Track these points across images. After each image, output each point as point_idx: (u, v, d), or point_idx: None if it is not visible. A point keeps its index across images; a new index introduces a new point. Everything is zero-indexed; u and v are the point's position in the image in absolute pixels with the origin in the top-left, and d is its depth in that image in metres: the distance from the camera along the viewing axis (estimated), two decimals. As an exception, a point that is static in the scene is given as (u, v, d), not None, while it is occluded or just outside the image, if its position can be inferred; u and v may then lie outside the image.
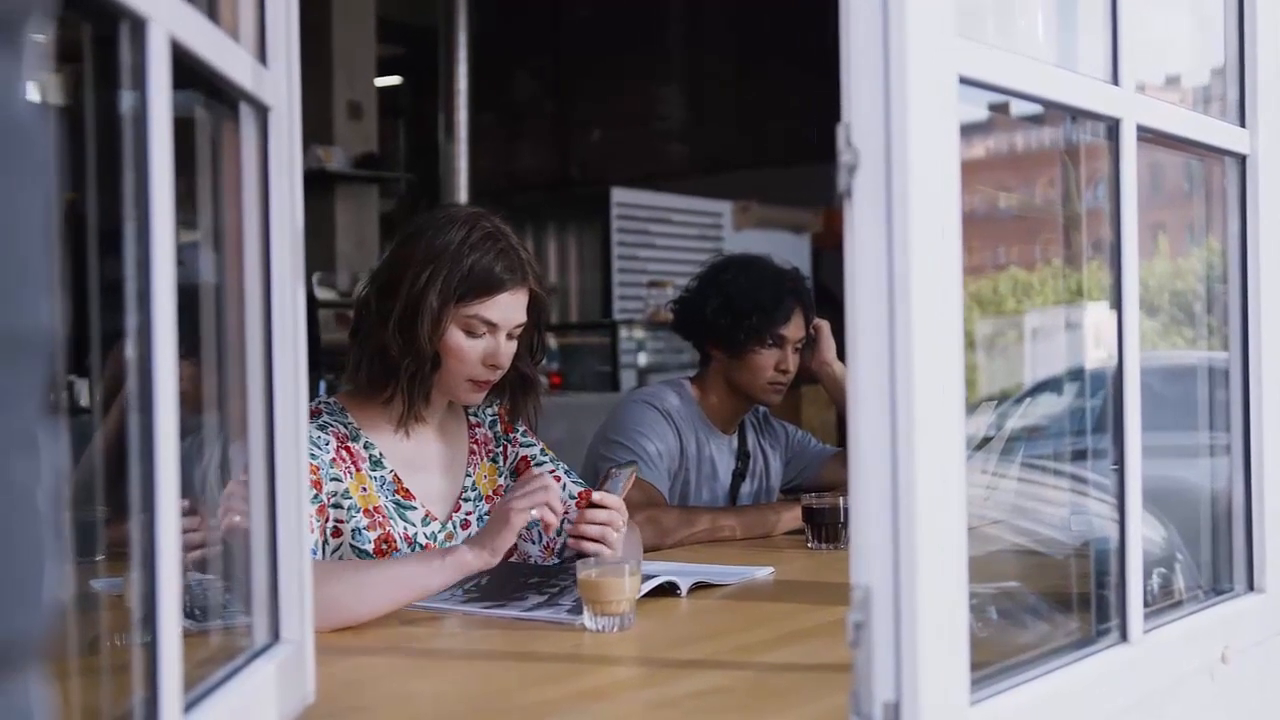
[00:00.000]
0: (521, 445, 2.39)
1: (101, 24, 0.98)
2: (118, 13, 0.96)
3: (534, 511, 1.95)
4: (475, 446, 2.34)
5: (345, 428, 2.18)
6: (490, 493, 2.32)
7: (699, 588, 2.13)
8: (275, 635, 1.35)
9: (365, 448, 2.18)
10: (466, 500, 2.29)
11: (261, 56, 1.33)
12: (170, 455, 1.00)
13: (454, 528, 2.24)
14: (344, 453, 2.14)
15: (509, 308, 2.17)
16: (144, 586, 0.98)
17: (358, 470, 2.15)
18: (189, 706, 1.07)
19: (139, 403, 0.99)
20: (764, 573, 2.30)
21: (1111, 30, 1.49)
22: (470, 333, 2.15)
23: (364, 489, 2.14)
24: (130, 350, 1.00)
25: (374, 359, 2.16)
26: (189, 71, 1.10)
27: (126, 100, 1.00)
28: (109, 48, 0.99)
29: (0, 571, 0.50)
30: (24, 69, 0.51)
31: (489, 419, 2.38)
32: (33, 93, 0.53)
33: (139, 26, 0.98)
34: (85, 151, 1.02)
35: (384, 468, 2.18)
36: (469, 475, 2.30)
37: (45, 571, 0.53)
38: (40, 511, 0.52)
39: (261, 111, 1.33)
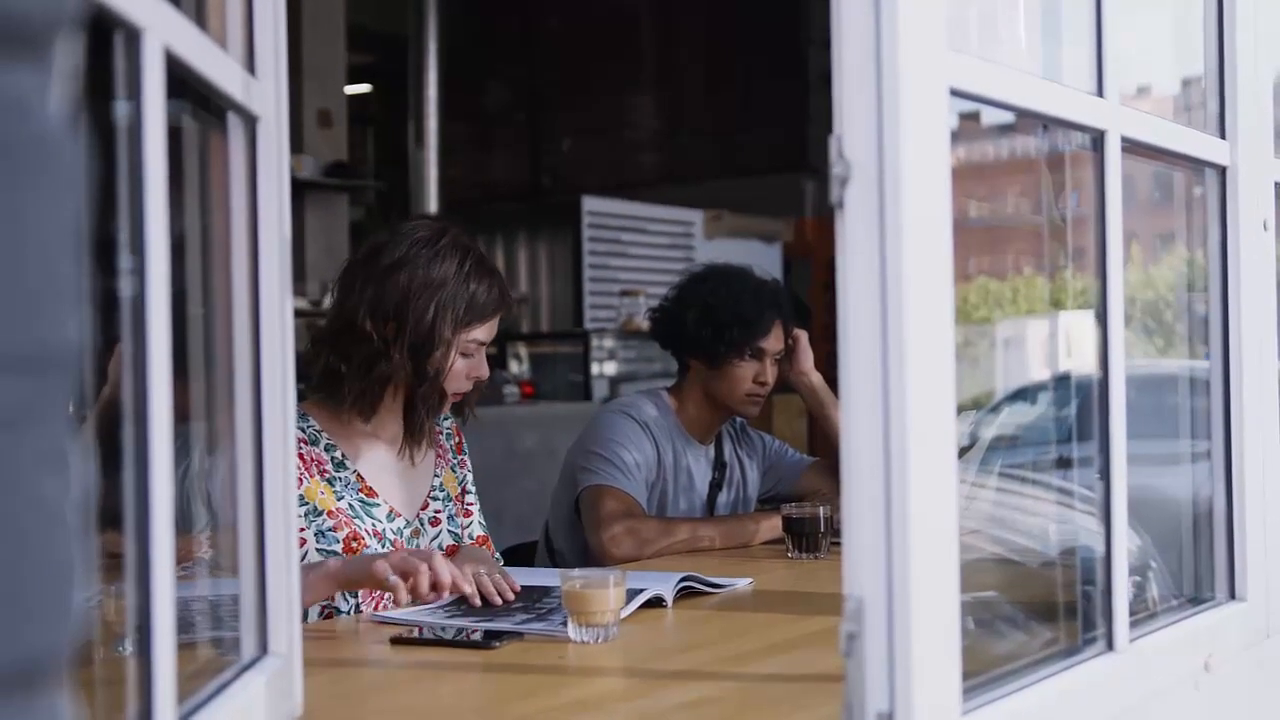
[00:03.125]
0: (467, 469, 2.49)
1: (95, 34, 0.97)
2: (113, 22, 0.95)
3: (392, 578, 1.90)
4: (440, 450, 2.43)
5: (303, 432, 2.22)
6: (455, 496, 2.42)
7: (684, 595, 2.13)
8: (264, 648, 1.34)
9: (326, 450, 2.25)
10: (435, 499, 2.38)
11: (250, 66, 1.32)
12: (164, 467, 0.99)
13: (422, 524, 2.33)
14: (297, 459, 2.15)
15: (495, 326, 2.31)
16: (139, 600, 0.98)
17: (312, 476, 2.20)
18: (181, 721, 1.06)
19: (133, 414, 0.98)
20: (744, 583, 2.31)
21: (1096, 43, 1.50)
22: (465, 354, 2.27)
23: (322, 492, 2.20)
24: (123, 360, 0.99)
25: (377, 385, 2.23)
26: (178, 81, 1.09)
27: (120, 109, 0.99)
28: (101, 57, 0.98)
29: (34, 588, 0.50)
30: (52, 83, 0.51)
31: (446, 430, 2.47)
32: (61, 108, 0.52)
33: (134, 36, 0.97)
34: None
35: (347, 469, 2.25)
36: (437, 475, 2.40)
37: (74, 587, 0.53)
38: (70, 527, 0.52)
39: (250, 122, 1.32)
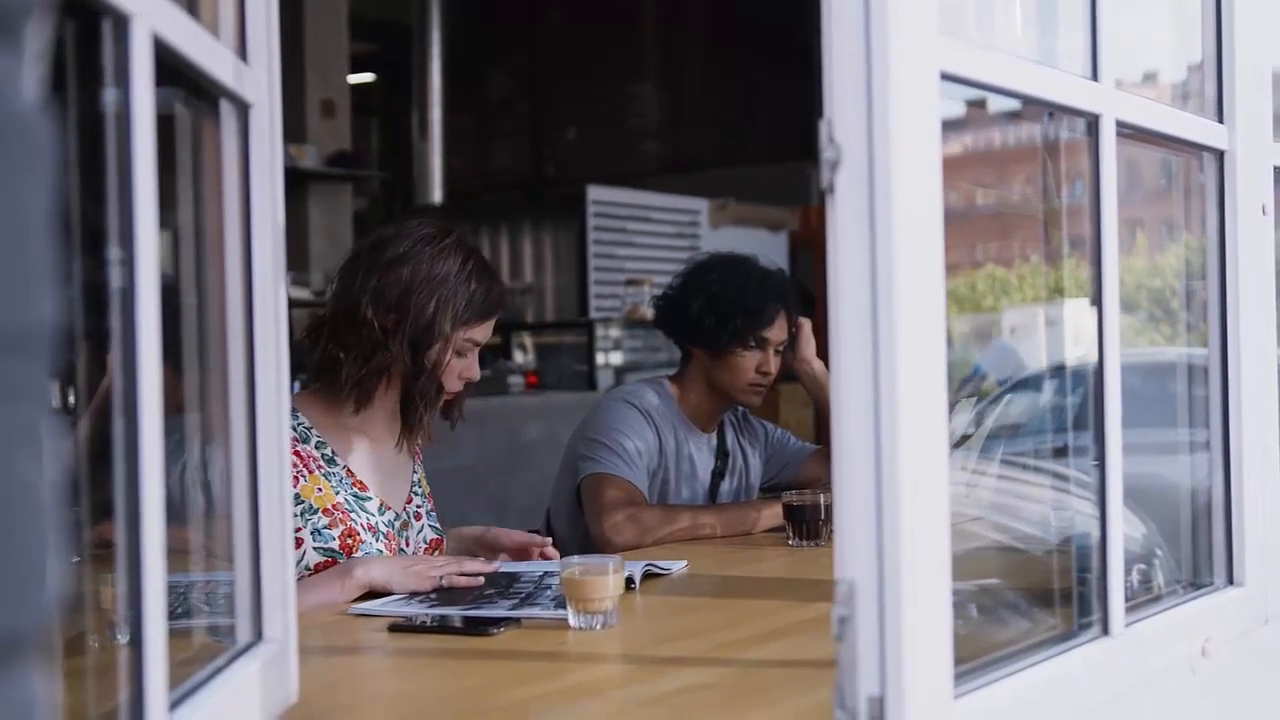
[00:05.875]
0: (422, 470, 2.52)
1: (83, 21, 0.97)
2: (100, 9, 0.95)
3: (444, 580, 2.11)
4: (418, 449, 2.46)
5: (294, 430, 2.23)
6: (428, 493, 2.46)
7: (647, 578, 2.19)
8: (258, 634, 1.34)
9: (317, 447, 2.26)
10: (416, 494, 2.42)
11: (242, 53, 1.32)
12: (154, 455, 0.99)
13: (408, 517, 2.37)
14: (293, 457, 2.18)
15: (491, 328, 2.34)
16: (129, 587, 0.98)
17: (310, 472, 2.22)
18: (173, 705, 1.07)
19: (123, 404, 0.98)
20: (680, 566, 2.35)
21: (1091, 26, 1.49)
22: (459, 353, 2.29)
23: (319, 489, 2.22)
24: (114, 351, 0.99)
25: (375, 375, 2.24)
26: (169, 68, 1.09)
27: (108, 97, 0.99)
28: (89, 44, 0.98)
29: (5, 565, 0.50)
30: (24, 66, 0.51)
31: None
32: (32, 90, 0.53)
33: (122, 23, 0.97)
34: (65, 150, 1.01)
35: (337, 464, 2.27)
36: (415, 472, 2.43)
37: (49, 566, 0.53)
38: (44, 506, 0.53)
39: (243, 109, 1.32)
